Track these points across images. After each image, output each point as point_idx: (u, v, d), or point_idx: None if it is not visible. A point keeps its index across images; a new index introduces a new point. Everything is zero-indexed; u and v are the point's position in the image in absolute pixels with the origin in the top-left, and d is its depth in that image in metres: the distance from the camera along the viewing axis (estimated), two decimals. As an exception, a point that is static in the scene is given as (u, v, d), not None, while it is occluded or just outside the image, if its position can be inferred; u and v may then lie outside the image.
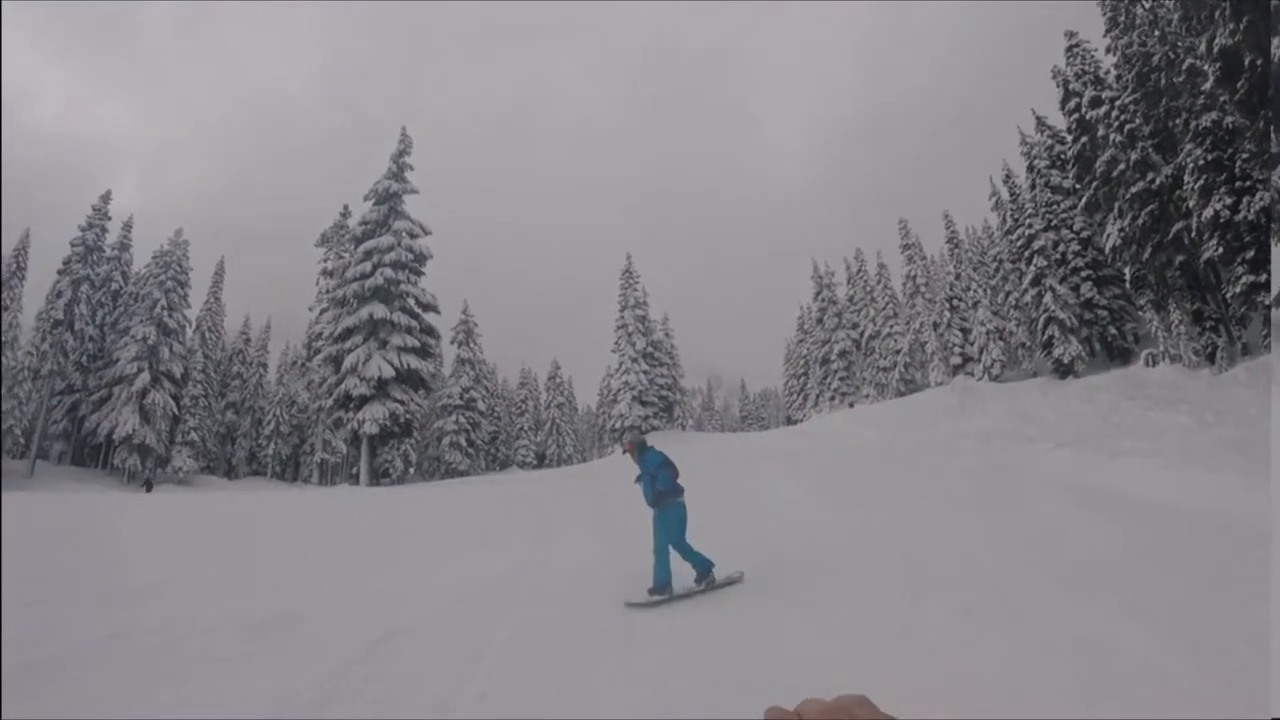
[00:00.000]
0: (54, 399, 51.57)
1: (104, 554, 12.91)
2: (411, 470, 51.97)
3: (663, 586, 8.54)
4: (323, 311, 52.38)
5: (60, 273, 52.90)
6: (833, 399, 55.68)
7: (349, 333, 41.42)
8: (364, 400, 39.84)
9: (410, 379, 40.85)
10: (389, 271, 41.09)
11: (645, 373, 51.87)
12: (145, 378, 49.71)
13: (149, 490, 39.18)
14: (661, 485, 8.92)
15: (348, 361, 40.23)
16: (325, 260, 53.29)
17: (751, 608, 7.77)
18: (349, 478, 52.73)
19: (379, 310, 40.41)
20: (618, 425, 51.87)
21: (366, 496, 27.50)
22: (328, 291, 51.79)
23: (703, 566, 8.86)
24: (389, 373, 39.57)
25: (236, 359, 63.71)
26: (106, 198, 55.97)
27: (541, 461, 70.60)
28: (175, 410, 51.70)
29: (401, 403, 40.36)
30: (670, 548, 8.86)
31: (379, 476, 43.33)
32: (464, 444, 56.67)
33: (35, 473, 47.49)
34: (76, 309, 52.14)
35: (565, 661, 6.55)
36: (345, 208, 54.98)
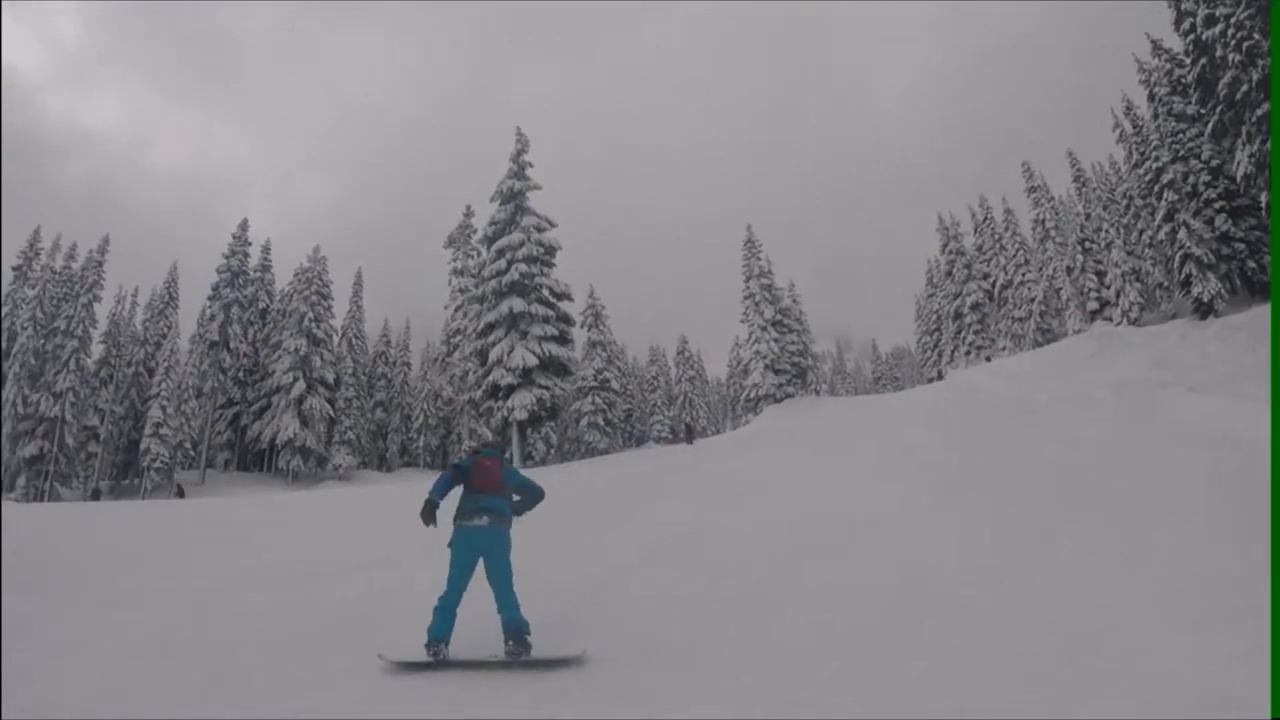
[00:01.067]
0: (216, 412, 56.40)
1: (329, 537, 14.88)
2: (552, 451, 54.73)
3: (432, 641, 6.46)
4: (457, 309, 55.80)
5: (210, 298, 58.43)
6: (968, 354, 55.94)
7: (490, 328, 44.12)
8: (511, 389, 42.47)
9: (552, 365, 43.32)
10: (522, 267, 43.55)
11: (775, 340, 53.14)
12: (301, 386, 54.14)
13: (181, 497, 41.95)
14: (432, 491, 6.87)
15: (493, 354, 43.00)
16: (454, 260, 56.55)
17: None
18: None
19: (517, 304, 42.96)
20: (752, 395, 53.33)
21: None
22: (461, 290, 55.30)
23: (513, 627, 6.42)
24: (532, 362, 42.10)
25: (380, 360, 67.97)
26: (244, 225, 61.53)
27: (677, 436, 72.59)
28: (331, 413, 56.21)
29: (546, 388, 42.86)
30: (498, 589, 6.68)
31: (525, 459, 45.83)
32: (601, 423, 59.30)
33: (206, 480, 52.36)
34: (229, 329, 57.04)
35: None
36: (468, 208, 58.26)
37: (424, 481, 40.66)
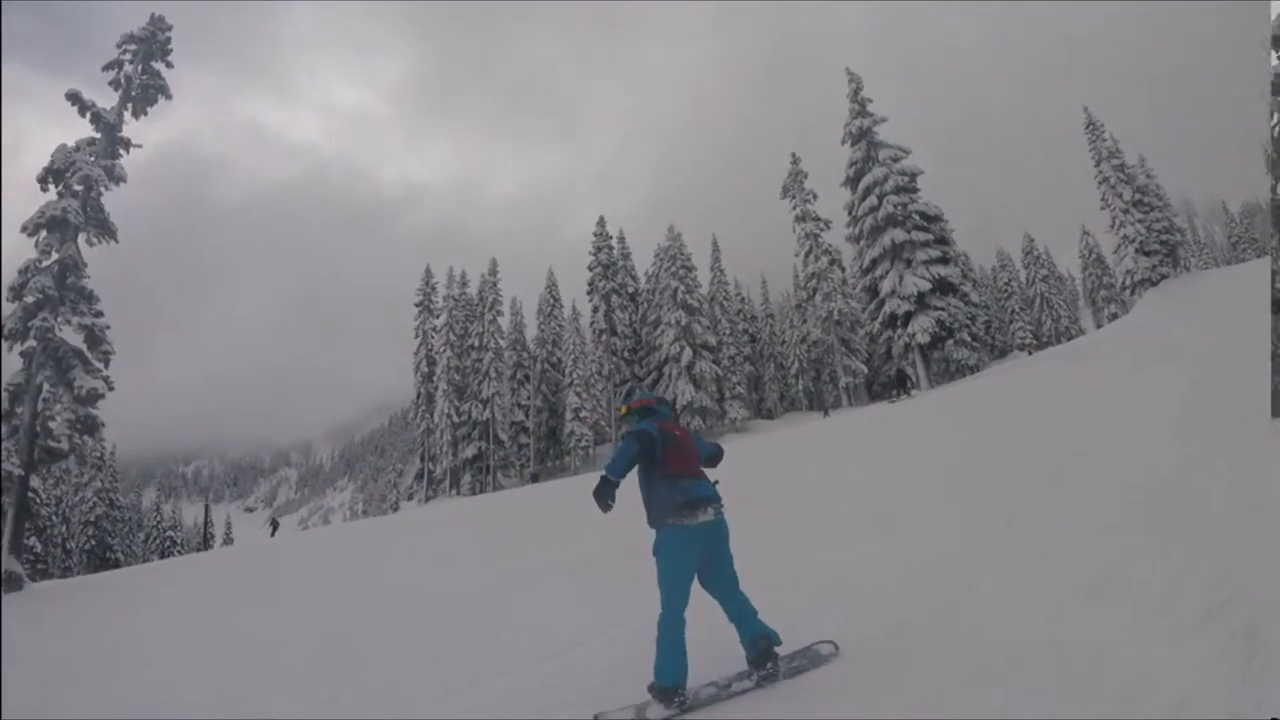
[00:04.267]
0: (614, 390, 62.57)
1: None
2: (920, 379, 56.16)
3: (669, 689, 5.12)
4: (807, 254, 58.55)
5: (589, 292, 64.88)
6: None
7: (875, 262, 46.44)
8: (909, 315, 44.62)
9: (942, 286, 45.10)
10: (893, 198, 45.45)
11: (1140, 221, 51.90)
12: (688, 353, 58.79)
13: (536, 481, 48.72)
14: (610, 468, 5.28)
15: (884, 286, 45.30)
16: (794, 208, 59.21)
17: None
18: (885, 396, 58.64)
19: (897, 235, 44.84)
20: (1126, 282, 52.36)
21: (940, 400, 28.91)
22: (807, 235, 58.12)
23: (764, 640, 5.32)
24: (925, 286, 43.95)
25: (740, 317, 71.98)
26: (601, 222, 67.96)
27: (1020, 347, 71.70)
28: (718, 372, 60.60)
29: (942, 309, 44.79)
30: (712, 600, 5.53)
31: (931, 381, 47.13)
32: (968, 339, 60.07)
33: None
34: (614, 316, 62.95)
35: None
36: (794, 155, 60.49)
37: (807, 423, 43.36)
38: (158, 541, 79.50)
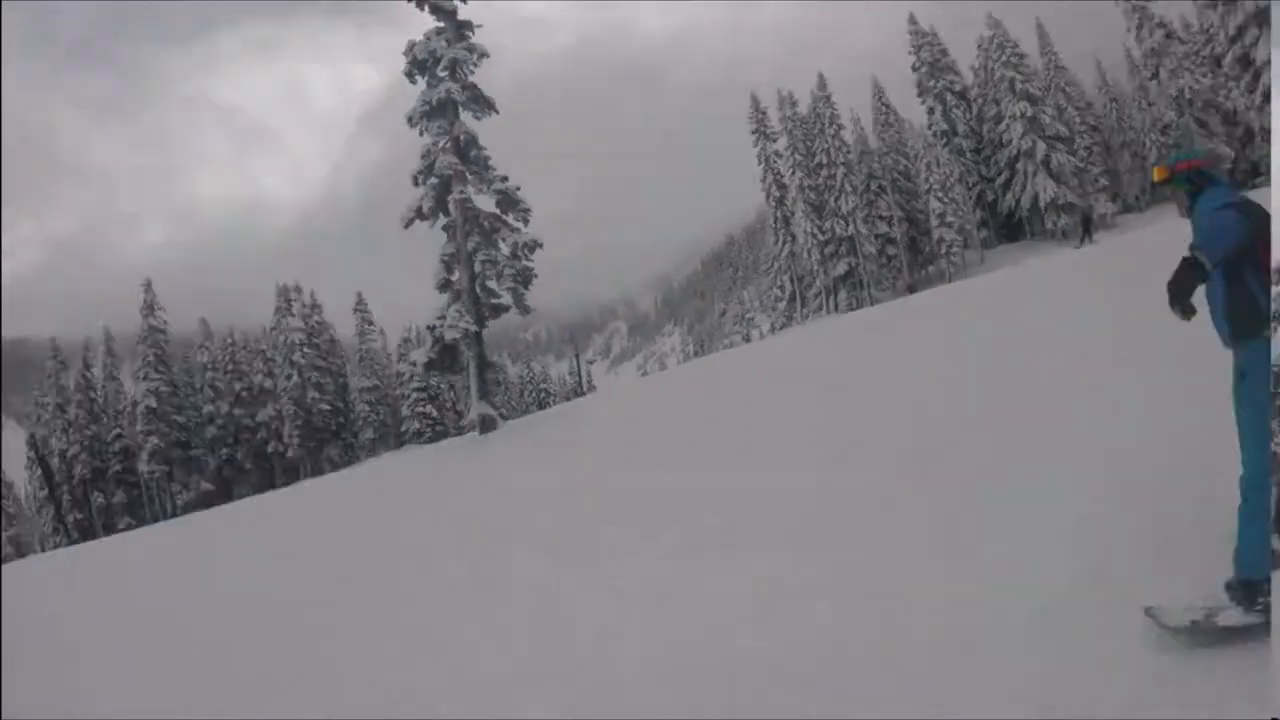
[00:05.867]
0: (968, 193, 61.88)
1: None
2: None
3: (1255, 585, 3.45)
4: (1138, 28, 54.36)
5: (918, 95, 64.73)
6: None
7: (1241, 30, 42.64)
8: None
9: None
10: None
11: None
12: (1041, 147, 56.77)
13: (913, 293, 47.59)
14: (1207, 250, 3.38)
15: (1259, 54, 41.46)
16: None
17: None
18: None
19: (1265, -11, 42.20)
20: None
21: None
22: (1134, 9, 54.28)
23: None
24: None
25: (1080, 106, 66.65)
26: (912, 19, 65.46)
27: None
28: (1076, 164, 57.84)
29: None
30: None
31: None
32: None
33: (984, 259, 56.91)
34: (951, 115, 62.83)
35: None
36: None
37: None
38: (534, 394, 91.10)
